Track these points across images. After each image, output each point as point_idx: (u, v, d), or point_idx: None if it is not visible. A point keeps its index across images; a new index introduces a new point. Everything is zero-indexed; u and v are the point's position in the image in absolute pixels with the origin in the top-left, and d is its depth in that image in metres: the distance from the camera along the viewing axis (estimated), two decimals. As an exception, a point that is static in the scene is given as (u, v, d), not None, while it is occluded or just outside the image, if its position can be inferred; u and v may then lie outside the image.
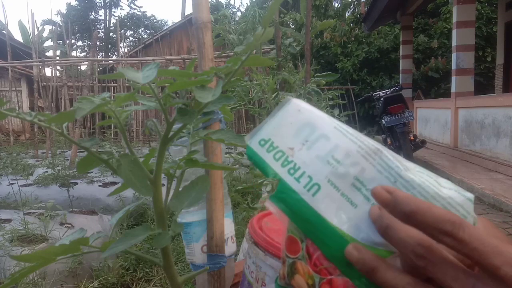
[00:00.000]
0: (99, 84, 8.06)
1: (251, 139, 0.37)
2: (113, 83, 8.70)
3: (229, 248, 0.77)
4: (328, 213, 0.32)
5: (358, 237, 0.31)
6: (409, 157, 4.97)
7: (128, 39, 25.88)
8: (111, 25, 25.52)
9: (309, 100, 1.72)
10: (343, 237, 0.31)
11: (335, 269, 0.32)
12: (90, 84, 6.60)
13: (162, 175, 0.54)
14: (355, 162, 0.33)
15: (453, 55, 6.03)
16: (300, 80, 1.89)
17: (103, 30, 25.23)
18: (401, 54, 8.94)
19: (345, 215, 0.32)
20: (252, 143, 0.37)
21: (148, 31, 26.42)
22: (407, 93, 7.97)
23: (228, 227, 0.77)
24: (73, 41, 23.32)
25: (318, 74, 1.70)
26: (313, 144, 0.34)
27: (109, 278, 1.94)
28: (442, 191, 0.32)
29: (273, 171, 0.35)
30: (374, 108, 7.54)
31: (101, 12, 26.49)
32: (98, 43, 15.10)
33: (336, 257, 0.32)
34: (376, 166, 0.33)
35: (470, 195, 0.34)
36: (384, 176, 0.33)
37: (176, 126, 0.52)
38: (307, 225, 0.33)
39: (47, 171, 3.81)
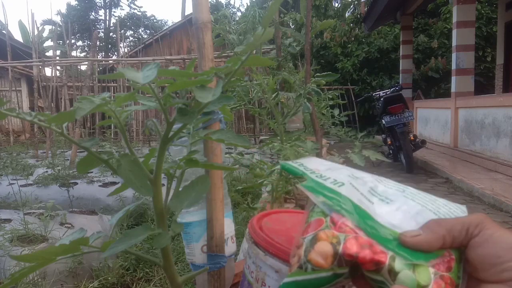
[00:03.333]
0: (99, 84, 8.07)
1: (285, 163, 0.49)
2: (113, 83, 8.70)
3: (229, 248, 0.77)
4: (353, 198, 0.39)
5: (375, 216, 0.37)
6: (409, 157, 4.97)
7: (128, 39, 25.88)
8: (111, 25, 25.51)
9: (309, 100, 1.72)
10: (368, 214, 0.37)
11: (360, 230, 0.36)
12: (90, 84, 6.60)
13: (162, 175, 0.54)
14: (369, 181, 0.42)
15: (453, 55, 6.03)
16: (300, 80, 1.89)
17: (103, 30, 25.22)
18: (401, 54, 8.94)
19: (363, 203, 0.39)
20: (289, 163, 0.48)
21: (148, 31, 26.41)
22: (407, 93, 7.97)
23: (228, 227, 0.77)
24: (73, 41, 23.31)
25: (318, 74, 1.70)
26: (335, 170, 0.44)
27: (109, 278, 1.94)
28: (445, 201, 0.41)
29: (302, 172, 0.44)
30: (374, 108, 7.54)
31: (101, 12, 26.50)
32: (98, 43, 15.10)
33: (366, 228, 0.36)
34: (386, 185, 0.42)
35: (463, 206, 0.40)
36: (395, 189, 0.41)
37: (176, 126, 0.52)
38: (338, 202, 0.38)
39: (47, 171, 3.81)
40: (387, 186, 0.42)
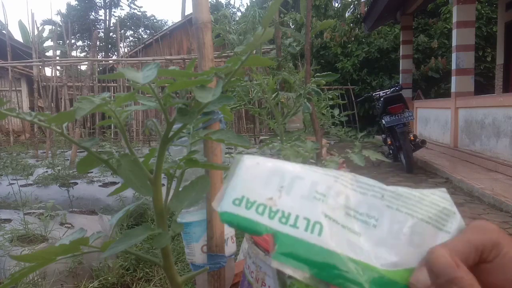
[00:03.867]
0: (99, 84, 8.07)
1: (221, 204, 0.32)
2: (113, 83, 8.70)
3: (229, 248, 0.77)
4: (342, 248, 0.30)
5: (377, 264, 0.30)
6: (409, 157, 4.97)
7: (128, 39, 25.88)
8: (111, 25, 25.51)
9: (309, 100, 1.72)
10: (370, 266, 0.30)
11: None
12: (90, 84, 6.60)
13: (162, 175, 0.54)
14: (339, 192, 0.32)
15: (453, 55, 6.03)
16: (300, 80, 1.89)
17: (103, 30, 25.22)
18: (401, 54, 8.94)
19: (355, 246, 0.30)
20: (225, 207, 0.32)
21: (148, 31, 26.41)
22: (407, 93, 7.97)
23: (228, 227, 0.77)
24: (73, 41, 23.31)
25: (318, 74, 1.70)
26: (291, 187, 0.32)
27: (109, 278, 1.94)
28: (423, 192, 0.33)
29: (264, 227, 0.31)
30: (374, 108, 7.54)
31: (101, 12, 26.50)
32: (98, 43, 15.10)
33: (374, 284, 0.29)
34: (357, 190, 0.33)
35: (442, 189, 0.34)
36: (370, 195, 0.32)
37: (176, 126, 0.52)
38: (327, 268, 0.29)
39: (47, 171, 3.81)
40: (362, 190, 0.33)
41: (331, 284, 0.29)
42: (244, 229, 0.31)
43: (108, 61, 11.87)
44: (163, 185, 0.55)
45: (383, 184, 0.34)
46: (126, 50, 14.06)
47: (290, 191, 0.32)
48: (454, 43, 5.99)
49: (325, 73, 1.71)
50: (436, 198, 0.33)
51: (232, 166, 0.35)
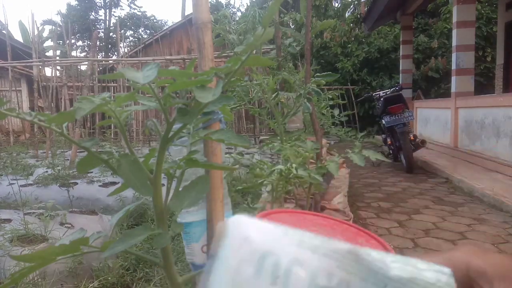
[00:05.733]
0: (99, 84, 8.07)
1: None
2: (113, 83, 8.70)
3: (229, 248, 0.77)
4: None
5: None
6: (409, 157, 4.97)
7: (128, 39, 25.87)
8: (111, 25, 25.50)
9: (309, 100, 1.72)
10: None
11: None
12: (90, 84, 6.60)
13: (162, 175, 0.54)
14: (341, 280, 0.28)
15: (453, 55, 6.03)
16: (300, 80, 1.89)
17: (103, 30, 25.22)
18: (401, 54, 8.94)
19: None
20: None
21: (148, 31, 26.40)
22: (407, 93, 7.97)
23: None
24: (73, 41, 23.30)
25: (318, 74, 1.70)
26: (287, 279, 0.27)
27: (109, 278, 1.94)
28: (427, 276, 0.29)
29: None
30: (374, 108, 7.54)
31: (101, 12, 26.49)
32: (98, 43, 15.10)
33: None
34: (359, 275, 0.29)
35: (447, 270, 0.30)
36: (371, 283, 0.28)
37: (176, 126, 0.52)
38: None
39: (47, 171, 3.81)
40: (366, 276, 0.28)
41: None
42: None
43: (108, 61, 11.88)
44: (163, 185, 0.55)
45: (389, 270, 0.29)
46: (126, 50, 14.06)
47: (287, 285, 0.27)
48: (454, 43, 5.99)
49: (325, 73, 1.72)
50: (443, 283, 0.29)
51: (217, 236, 0.28)
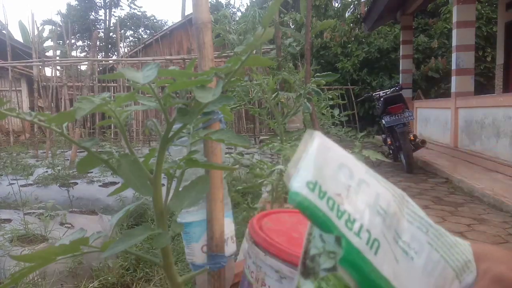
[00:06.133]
0: (99, 84, 8.06)
1: (294, 182, 0.29)
2: (113, 83, 8.70)
3: (229, 248, 0.77)
4: (388, 272, 0.29)
5: None
6: (409, 157, 4.97)
7: (128, 39, 25.87)
8: (111, 25, 25.49)
9: (309, 100, 1.72)
10: None
11: None
12: (90, 84, 6.60)
13: (162, 175, 0.54)
14: (394, 213, 0.31)
15: (453, 55, 6.03)
16: (300, 80, 1.89)
17: (103, 30, 25.21)
18: (401, 54, 8.94)
19: (396, 273, 0.30)
20: (298, 187, 0.28)
21: (148, 31, 26.40)
22: (407, 93, 7.97)
23: (228, 227, 0.77)
24: (73, 41, 23.29)
25: (318, 74, 1.70)
26: (357, 190, 0.30)
27: (109, 278, 1.94)
28: (458, 239, 0.35)
29: (335, 227, 0.28)
30: (374, 108, 7.53)
31: (101, 12, 26.48)
32: (98, 43, 15.10)
33: None
34: (406, 216, 0.32)
35: (467, 243, 0.36)
36: (416, 226, 0.32)
37: (176, 126, 0.52)
38: (372, 286, 0.29)
39: (47, 171, 3.81)
40: (411, 218, 0.32)
41: None
42: (314, 220, 0.28)
43: (108, 61, 11.87)
44: (163, 185, 0.55)
45: (428, 218, 0.33)
46: (126, 50, 14.06)
47: (357, 194, 0.30)
48: (454, 43, 5.99)
49: (325, 73, 1.72)
50: (466, 249, 0.35)
51: (304, 140, 0.33)
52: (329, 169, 0.30)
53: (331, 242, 0.28)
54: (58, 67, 7.93)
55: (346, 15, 12.38)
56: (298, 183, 0.29)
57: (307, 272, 0.30)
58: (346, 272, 0.28)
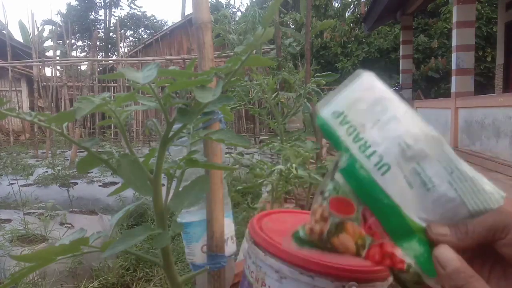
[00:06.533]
0: (99, 84, 8.06)
1: (324, 109, 0.37)
2: (113, 83, 8.70)
3: (229, 248, 0.77)
4: (393, 192, 0.35)
5: (414, 217, 0.36)
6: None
7: (128, 39, 25.86)
8: (111, 25, 25.49)
9: (309, 100, 1.72)
10: (404, 218, 0.35)
11: (388, 237, 0.36)
12: (90, 84, 6.60)
13: (162, 175, 0.54)
14: (421, 149, 0.36)
15: (453, 55, 6.03)
16: (300, 80, 1.89)
17: (103, 30, 25.21)
18: (401, 54, 8.93)
19: (404, 196, 0.35)
20: (325, 113, 0.37)
21: (148, 31, 26.40)
22: (407, 93, 7.97)
23: (228, 227, 0.77)
24: (73, 41, 23.29)
25: (318, 74, 1.70)
26: (385, 124, 0.36)
27: (109, 278, 1.94)
28: (486, 186, 0.37)
29: (345, 146, 0.36)
30: (374, 108, 7.49)
31: (101, 12, 26.48)
32: (98, 43, 15.10)
33: (395, 233, 0.36)
34: (436, 155, 0.36)
35: (503, 194, 0.38)
36: (443, 166, 0.36)
37: (176, 126, 0.52)
38: (373, 201, 0.35)
39: (47, 171, 3.81)
40: (440, 158, 0.36)
41: (366, 205, 0.36)
42: (328, 138, 0.37)
43: (108, 61, 11.87)
44: (163, 185, 0.55)
45: (460, 160, 0.37)
46: (126, 50, 14.06)
47: (383, 128, 0.36)
48: (454, 43, 5.99)
49: (325, 73, 1.72)
50: (495, 198, 0.36)
51: (351, 77, 0.38)
52: (363, 103, 0.37)
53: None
54: (58, 67, 7.93)
55: (346, 15, 12.38)
56: (325, 111, 0.37)
57: (332, 176, 0.37)
58: (345, 180, 0.36)
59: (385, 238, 0.36)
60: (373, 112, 0.36)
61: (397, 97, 0.38)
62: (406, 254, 0.36)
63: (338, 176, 0.36)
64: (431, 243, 0.36)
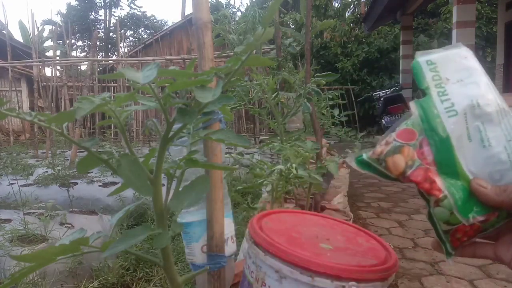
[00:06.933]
0: (99, 84, 8.06)
1: (422, 56, 0.45)
2: (113, 83, 8.70)
3: (229, 248, 0.77)
4: (453, 134, 0.41)
5: (464, 167, 0.41)
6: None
7: (128, 39, 25.86)
8: (111, 25, 25.48)
9: (309, 100, 1.72)
10: (455, 161, 0.41)
11: (436, 166, 0.41)
12: (90, 84, 6.60)
13: (162, 175, 0.54)
14: (489, 113, 0.41)
15: (453, 55, 6.02)
16: (300, 80, 1.89)
17: (103, 30, 25.19)
18: (401, 54, 8.93)
19: (462, 144, 0.41)
20: (421, 59, 0.45)
21: (148, 31, 26.39)
22: (407, 93, 7.96)
23: (228, 227, 0.77)
24: (73, 41, 23.28)
25: (318, 74, 1.70)
26: (466, 85, 0.43)
27: (109, 278, 1.94)
28: None
29: (427, 85, 0.44)
30: (374, 108, 7.53)
31: (101, 12, 26.46)
32: (98, 43, 15.10)
33: (443, 167, 0.41)
34: (501, 123, 0.41)
35: None
36: (503, 133, 0.41)
37: (176, 126, 0.52)
38: (434, 134, 0.42)
39: (47, 171, 3.81)
40: (504, 127, 0.41)
41: (428, 142, 0.42)
42: (416, 75, 0.45)
43: (108, 61, 11.87)
44: (163, 185, 0.55)
45: None
46: (126, 50, 14.06)
47: (463, 86, 0.43)
48: (454, 43, 5.98)
49: (325, 73, 1.72)
50: None
51: (451, 45, 0.46)
52: (454, 64, 0.44)
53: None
54: (58, 67, 7.93)
55: (346, 15, 12.38)
56: (421, 57, 0.45)
57: (408, 117, 0.44)
58: (417, 110, 0.43)
59: (432, 167, 0.41)
60: (460, 73, 0.43)
61: (484, 72, 0.44)
62: (446, 187, 0.40)
63: (413, 106, 0.43)
64: (471, 193, 0.40)
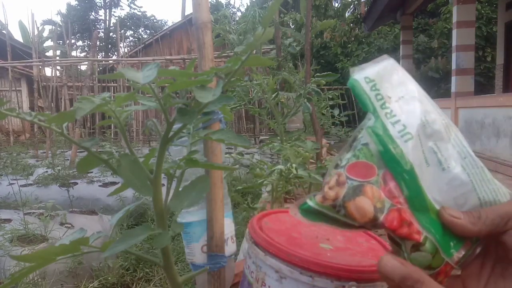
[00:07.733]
0: (99, 84, 8.06)
1: (357, 73, 0.39)
2: (113, 83, 8.70)
3: (229, 248, 0.77)
4: (415, 162, 0.35)
5: (430, 196, 0.36)
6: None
7: (128, 39, 25.87)
8: (111, 25, 25.48)
9: (309, 100, 1.72)
10: (422, 191, 0.35)
11: (406, 200, 0.35)
12: (90, 84, 6.60)
13: (162, 175, 0.54)
14: (439, 130, 0.37)
15: (453, 55, 6.03)
16: (300, 80, 1.89)
17: (103, 30, 25.20)
18: (401, 54, 8.93)
19: (422, 171, 0.36)
20: (358, 77, 0.39)
21: (148, 31, 26.40)
22: (407, 93, 7.96)
23: (228, 227, 0.76)
24: (73, 41, 23.28)
25: (318, 74, 1.70)
26: (408, 101, 0.38)
27: (109, 278, 1.94)
28: (496, 181, 0.38)
29: (373, 107, 0.37)
30: (374, 108, 7.48)
31: (101, 12, 26.47)
32: (98, 43, 15.10)
33: (413, 202, 0.35)
34: (451, 140, 0.37)
35: (508, 191, 0.39)
36: (456, 151, 0.37)
37: (176, 126, 0.52)
38: (396, 166, 0.35)
39: (47, 171, 3.81)
40: (454, 143, 0.37)
41: (392, 176, 0.35)
42: (358, 98, 0.38)
43: (108, 61, 11.87)
44: (163, 185, 0.55)
45: (471, 150, 0.38)
46: (126, 50, 14.06)
47: (406, 103, 0.37)
48: (454, 43, 5.98)
49: (325, 73, 1.72)
50: (503, 192, 0.38)
51: (378, 60, 0.41)
52: (391, 80, 0.39)
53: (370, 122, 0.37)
54: (58, 67, 7.93)
55: (346, 15, 12.38)
56: (358, 75, 0.39)
57: (350, 148, 0.38)
58: (373, 142, 0.36)
59: (404, 205, 0.35)
60: (398, 89, 0.38)
61: (414, 81, 0.40)
62: (424, 227, 0.35)
63: (364, 136, 0.37)
64: (443, 226, 0.35)
